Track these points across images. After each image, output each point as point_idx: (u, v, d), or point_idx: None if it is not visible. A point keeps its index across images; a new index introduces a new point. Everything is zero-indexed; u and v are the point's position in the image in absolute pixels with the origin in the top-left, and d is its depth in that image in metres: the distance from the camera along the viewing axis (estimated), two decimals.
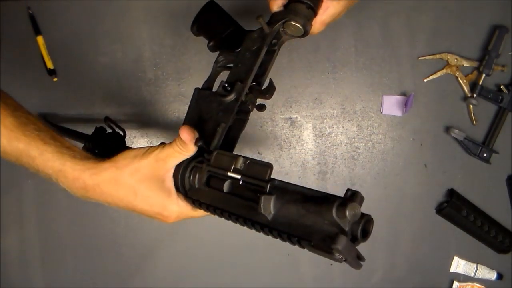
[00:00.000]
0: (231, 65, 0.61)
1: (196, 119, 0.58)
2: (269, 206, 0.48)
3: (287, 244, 0.47)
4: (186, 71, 0.92)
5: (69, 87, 0.92)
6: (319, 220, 0.43)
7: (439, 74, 0.95)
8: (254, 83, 0.59)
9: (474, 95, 0.94)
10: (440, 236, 0.98)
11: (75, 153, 0.52)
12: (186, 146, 0.51)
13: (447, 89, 0.95)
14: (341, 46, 0.94)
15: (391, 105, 0.94)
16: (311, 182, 0.95)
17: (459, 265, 0.99)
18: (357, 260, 0.42)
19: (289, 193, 0.48)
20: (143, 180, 0.51)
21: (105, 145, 0.72)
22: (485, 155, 0.95)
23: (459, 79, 0.95)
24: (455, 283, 1.00)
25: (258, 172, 0.50)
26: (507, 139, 0.96)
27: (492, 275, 1.00)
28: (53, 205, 0.93)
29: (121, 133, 0.74)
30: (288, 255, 0.97)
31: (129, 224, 0.95)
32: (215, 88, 0.60)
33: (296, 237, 0.45)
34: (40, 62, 0.90)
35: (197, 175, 0.53)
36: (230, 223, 0.55)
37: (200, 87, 0.61)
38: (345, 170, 0.96)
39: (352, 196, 0.42)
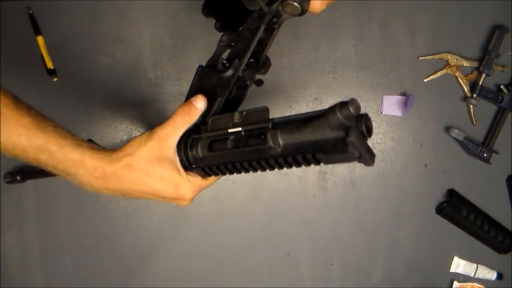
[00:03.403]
0: (233, 43, 0.64)
1: (197, 93, 0.60)
2: (277, 138, 0.50)
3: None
4: (186, 71, 0.92)
5: (69, 87, 0.92)
6: (326, 131, 0.47)
7: (439, 74, 0.95)
8: (252, 60, 0.62)
9: (474, 95, 0.94)
10: (440, 236, 0.98)
11: (91, 144, 0.54)
12: (195, 112, 0.55)
13: (447, 89, 0.95)
14: (341, 46, 0.94)
15: (391, 105, 0.94)
16: (311, 182, 0.95)
17: (459, 265, 0.99)
18: (369, 153, 0.46)
19: (290, 122, 0.50)
20: (153, 162, 0.53)
21: None
22: (485, 155, 0.95)
23: (459, 79, 0.95)
24: (455, 283, 1.00)
25: (257, 117, 0.52)
26: (507, 139, 0.96)
27: (492, 275, 1.00)
28: (53, 205, 0.93)
29: None
30: (288, 255, 0.97)
31: (129, 224, 0.95)
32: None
33: (309, 153, 0.48)
34: (40, 62, 0.90)
35: (198, 145, 0.55)
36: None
37: (203, 65, 0.63)
38: (345, 170, 0.96)
39: (346, 101, 0.45)
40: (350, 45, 0.94)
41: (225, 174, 0.57)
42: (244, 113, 0.54)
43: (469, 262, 0.99)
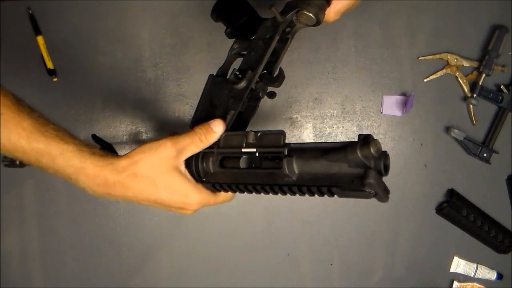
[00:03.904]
0: (245, 52, 0.63)
1: (208, 104, 0.60)
2: (292, 166, 0.49)
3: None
4: (186, 71, 0.92)
5: (69, 87, 0.92)
6: (343, 166, 0.46)
7: (439, 74, 0.95)
8: (265, 71, 0.61)
9: (474, 95, 0.94)
10: (440, 236, 0.98)
11: (94, 150, 0.53)
12: (213, 137, 0.54)
13: (447, 89, 0.95)
14: (341, 46, 0.94)
15: (391, 105, 0.94)
16: None
17: (459, 265, 0.99)
18: (385, 192, 0.46)
19: (308, 151, 0.49)
20: (161, 172, 0.52)
21: None
22: (485, 155, 0.95)
23: (459, 79, 0.95)
24: (455, 283, 1.00)
25: (272, 140, 0.51)
26: (507, 139, 0.96)
27: (492, 275, 1.00)
28: (53, 205, 0.93)
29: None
30: (288, 255, 0.97)
31: (129, 224, 0.95)
32: (229, 76, 0.61)
33: (325, 187, 0.47)
34: (40, 62, 0.90)
35: (210, 160, 0.54)
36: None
37: (214, 74, 0.62)
38: None
39: (368, 137, 0.44)
40: (350, 45, 0.94)
41: (235, 192, 0.56)
42: (259, 134, 0.52)
43: (469, 262, 0.99)
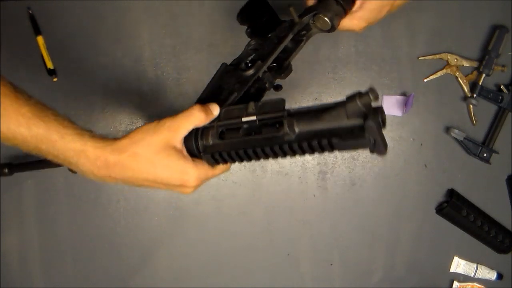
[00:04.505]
0: (259, 48, 0.67)
1: (215, 88, 0.62)
2: (293, 126, 0.51)
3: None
4: (186, 71, 0.92)
5: (69, 87, 0.92)
6: (343, 119, 0.49)
7: (439, 74, 0.95)
8: (275, 64, 0.64)
9: (474, 95, 0.94)
10: (440, 236, 0.98)
11: (93, 134, 0.54)
12: (210, 116, 0.55)
13: (447, 89, 0.95)
14: (341, 46, 0.94)
15: (391, 105, 0.94)
16: (311, 182, 0.95)
17: (459, 265, 0.99)
18: (384, 142, 0.47)
19: (307, 112, 0.52)
20: (158, 151, 0.53)
21: None
22: (485, 155, 0.95)
23: (459, 79, 0.95)
24: (455, 283, 1.00)
25: (273, 107, 0.53)
26: (507, 139, 0.96)
27: (492, 275, 1.00)
28: (53, 205, 0.93)
29: None
30: (288, 255, 0.97)
31: (129, 224, 0.95)
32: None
33: (325, 139, 0.49)
34: (40, 62, 0.90)
35: (209, 134, 0.56)
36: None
37: (227, 63, 0.65)
38: (345, 170, 0.96)
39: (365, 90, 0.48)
40: (350, 45, 0.94)
41: (235, 161, 0.56)
42: (259, 104, 0.54)
43: (469, 262, 0.99)
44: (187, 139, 0.56)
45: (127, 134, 0.54)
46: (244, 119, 0.54)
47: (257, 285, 0.98)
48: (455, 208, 0.95)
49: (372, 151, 0.49)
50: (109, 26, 0.91)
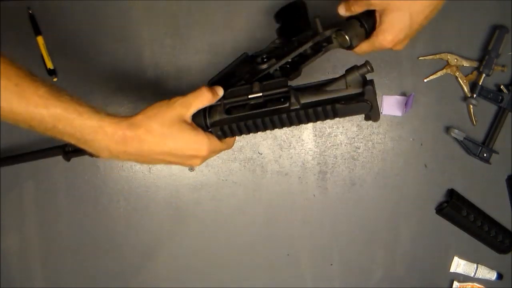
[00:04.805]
0: (280, 47, 0.71)
1: (229, 73, 0.67)
2: (298, 98, 0.59)
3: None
4: (186, 71, 0.92)
5: (69, 87, 0.91)
6: (343, 90, 0.58)
7: (439, 74, 0.95)
8: (288, 66, 0.67)
9: (474, 95, 0.94)
10: (440, 236, 0.98)
11: (108, 112, 0.57)
12: (216, 97, 0.61)
13: (447, 89, 0.95)
14: None
15: (391, 105, 0.95)
16: (311, 182, 0.95)
17: (459, 265, 0.99)
18: (378, 110, 0.57)
19: (310, 87, 0.61)
20: (172, 124, 0.57)
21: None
22: (485, 155, 0.95)
23: (459, 79, 0.95)
24: (455, 283, 1.00)
25: (277, 84, 0.61)
26: (507, 139, 0.96)
27: (492, 275, 1.00)
28: (53, 205, 0.93)
29: None
30: (288, 255, 0.97)
31: (129, 224, 0.95)
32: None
33: (329, 105, 0.58)
34: (40, 62, 0.90)
35: (217, 111, 0.62)
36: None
37: (248, 53, 0.69)
38: (345, 170, 0.96)
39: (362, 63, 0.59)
40: None
41: (242, 133, 0.62)
42: (264, 83, 0.61)
43: (469, 262, 0.99)
44: (195, 117, 0.60)
45: (141, 110, 0.58)
46: (250, 96, 0.60)
47: (257, 285, 0.98)
48: (455, 208, 0.95)
49: (368, 117, 0.58)
50: (109, 26, 0.91)
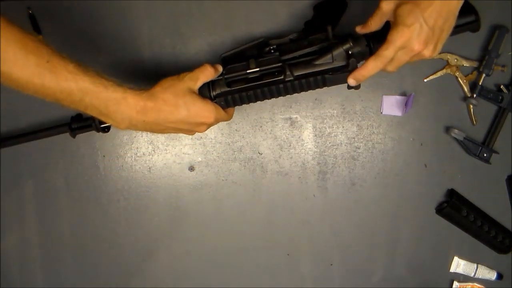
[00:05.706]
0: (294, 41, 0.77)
1: (241, 53, 0.74)
2: (292, 70, 0.70)
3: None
4: (186, 71, 0.92)
5: None
6: (330, 64, 0.69)
7: (439, 74, 0.95)
8: (293, 61, 0.73)
9: (474, 95, 0.94)
10: (440, 236, 0.98)
11: (129, 85, 0.64)
12: (217, 73, 0.71)
13: (447, 89, 0.95)
14: None
15: (391, 105, 0.95)
16: (311, 182, 0.95)
17: (459, 265, 0.99)
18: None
19: (301, 62, 0.71)
20: (185, 95, 0.66)
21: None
22: (485, 155, 0.95)
23: (459, 79, 0.95)
24: (455, 283, 1.00)
25: (271, 61, 0.70)
26: (507, 139, 0.96)
27: (492, 275, 1.00)
28: (53, 205, 0.93)
29: None
30: (288, 255, 0.97)
31: (129, 224, 0.95)
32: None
33: (319, 75, 0.70)
34: None
35: (219, 84, 0.72)
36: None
37: (266, 41, 0.75)
38: (345, 170, 0.96)
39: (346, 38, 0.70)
40: None
41: (243, 103, 0.73)
42: (259, 60, 0.70)
43: (469, 262, 0.99)
44: (201, 90, 0.70)
45: (156, 84, 0.67)
46: (248, 71, 0.70)
47: (257, 285, 0.98)
48: (455, 208, 0.95)
49: (350, 86, 0.71)
50: (109, 26, 0.91)
